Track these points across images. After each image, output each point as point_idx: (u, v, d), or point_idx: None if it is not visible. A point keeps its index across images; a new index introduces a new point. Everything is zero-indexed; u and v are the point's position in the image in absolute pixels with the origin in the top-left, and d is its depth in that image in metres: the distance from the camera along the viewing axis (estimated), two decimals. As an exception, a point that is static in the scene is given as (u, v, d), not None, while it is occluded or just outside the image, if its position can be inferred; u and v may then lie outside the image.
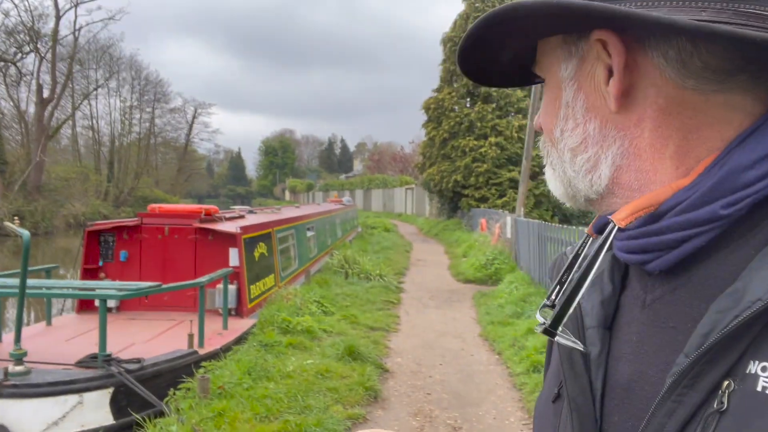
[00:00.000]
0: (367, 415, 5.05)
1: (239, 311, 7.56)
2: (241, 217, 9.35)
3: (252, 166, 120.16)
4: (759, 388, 0.46)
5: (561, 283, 0.71)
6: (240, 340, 6.60)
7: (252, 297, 7.86)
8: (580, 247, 0.73)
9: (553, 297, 0.71)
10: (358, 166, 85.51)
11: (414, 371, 6.36)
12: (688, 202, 0.56)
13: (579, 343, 0.60)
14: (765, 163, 0.54)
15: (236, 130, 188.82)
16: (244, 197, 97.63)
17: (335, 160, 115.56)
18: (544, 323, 0.59)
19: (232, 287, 7.41)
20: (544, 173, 0.74)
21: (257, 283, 8.18)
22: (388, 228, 25.37)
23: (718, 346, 0.48)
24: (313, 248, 12.73)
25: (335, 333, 7.33)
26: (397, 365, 6.54)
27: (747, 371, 0.47)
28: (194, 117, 58.81)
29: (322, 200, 44.85)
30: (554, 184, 0.69)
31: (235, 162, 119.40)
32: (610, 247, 0.62)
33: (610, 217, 0.59)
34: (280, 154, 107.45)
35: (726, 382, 0.48)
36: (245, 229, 7.91)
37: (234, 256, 7.61)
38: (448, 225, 24.10)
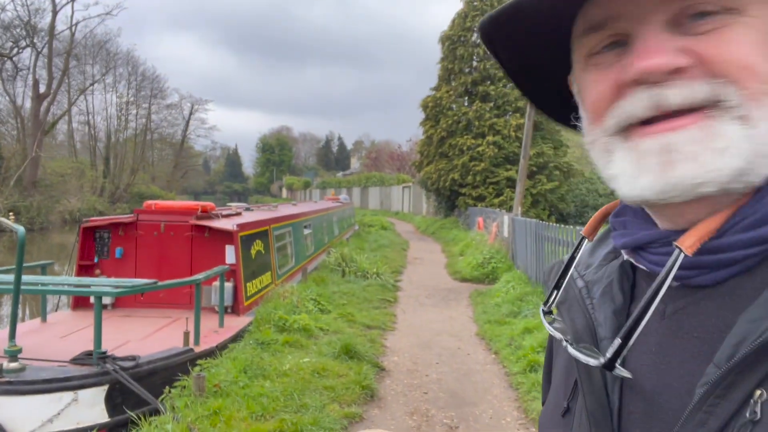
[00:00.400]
0: (363, 414, 5.04)
1: (235, 309, 7.53)
2: (238, 214, 9.31)
3: (249, 163, 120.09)
4: None
5: (558, 287, 0.70)
6: (236, 338, 6.58)
7: (248, 295, 7.84)
8: (575, 251, 0.72)
9: (550, 302, 0.70)
10: (355, 164, 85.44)
11: (410, 370, 6.35)
12: (756, 217, 0.53)
13: (628, 372, 0.55)
14: None
15: (233, 126, 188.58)
16: (240, 194, 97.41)
17: (332, 157, 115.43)
18: (601, 359, 0.55)
19: (228, 285, 7.38)
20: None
21: (254, 281, 8.15)
22: (385, 226, 25.37)
23: (750, 357, 0.47)
24: (310, 246, 12.71)
25: (332, 331, 7.31)
26: (394, 364, 6.53)
27: None
28: (191, 113, 58.71)
29: (319, 198, 44.80)
30: (737, 148, 0.50)
31: (232, 159, 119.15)
32: (660, 274, 0.55)
33: (675, 243, 0.53)
34: (277, 152, 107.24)
35: (759, 392, 0.47)
36: (242, 226, 7.88)
37: (230, 254, 7.58)
38: (445, 223, 24.11)
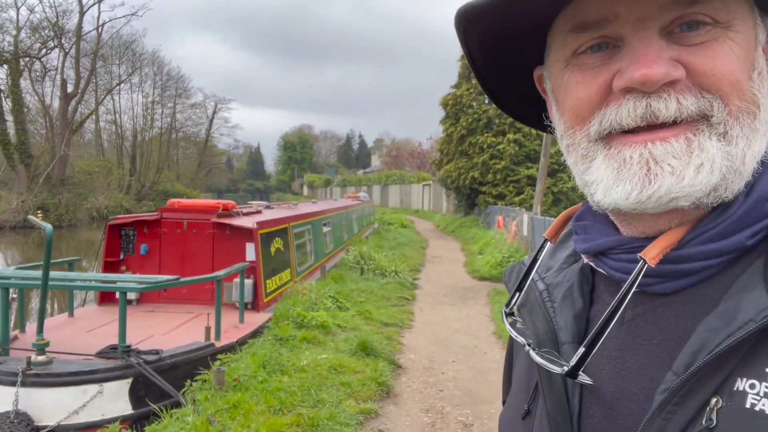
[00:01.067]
0: (379, 410, 5.10)
1: (255, 305, 7.67)
2: (258, 212, 9.45)
3: (271, 161, 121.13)
4: (747, 405, 0.47)
5: (519, 289, 0.71)
6: (256, 333, 6.70)
7: (268, 291, 7.97)
8: (537, 253, 0.72)
9: (512, 304, 0.71)
10: (376, 161, 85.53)
11: (427, 368, 6.40)
12: (716, 231, 0.54)
13: (590, 379, 0.56)
14: None
15: (255, 125, 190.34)
16: (262, 192, 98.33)
17: (353, 155, 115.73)
18: (564, 367, 0.56)
19: (248, 281, 7.52)
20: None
21: (273, 278, 8.28)
22: (405, 224, 25.40)
23: (708, 365, 0.48)
24: (329, 244, 12.82)
25: (349, 328, 7.39)
26: (410, 361, 6.58)
27: (735, 388, 0.48)
28: (214, 112, 59.38)
29: (339, 196, 45.01)
30: (715, 164, 0.51)
31: (254, 157, 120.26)
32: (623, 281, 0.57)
33: (640, 255, 0.55)
34: (298, 150, 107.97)
35: (714, 399, 0.48)
36: (261, 224, 8.01)
37: (250, 251, 7.72)
38: (464, 222, 24.04)
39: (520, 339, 0.64)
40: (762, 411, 0.46)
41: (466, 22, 0.58)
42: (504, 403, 0.81)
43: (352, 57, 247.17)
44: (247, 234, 7.74)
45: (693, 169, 0.51)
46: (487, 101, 23.52)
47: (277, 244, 8.61)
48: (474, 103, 23.49)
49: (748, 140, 0.53)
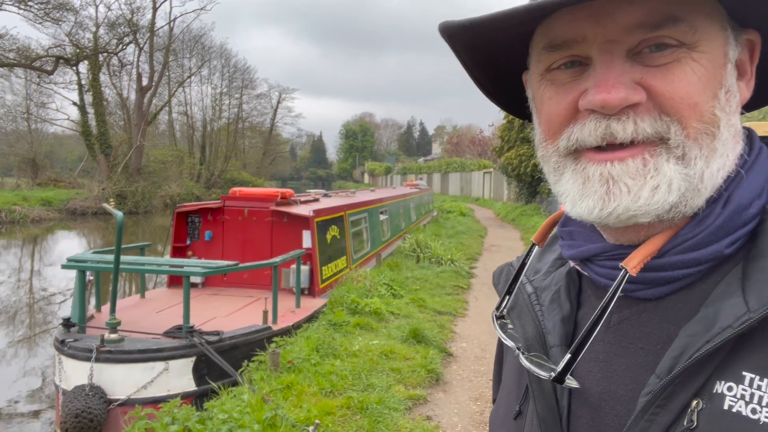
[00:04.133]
0: (427, 397, 5.17)
1: (311, 291, 7.90)
2: (316, 200, 9.68)
3: (333, 150, 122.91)
4: (725, 407, 0.49)
5: (509, 293, 0.73)
6: (311, 318, 6.92)
7: (324, 278, 8.18)
8: (525, 257, 0.75)
9: (501, 307, 0.73)
10: (436, 149, 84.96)
11: (478, 356, 6.40)
12: (694, 240, 0.56)
13: (576, 383, 0.58)
14: (756, 202, 0.56)
15: (317, 114, 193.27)
16: (324, 180, 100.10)
17: (414, 143, 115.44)
18: (551, 373, 0.58)
19: (305, 268, 7.75)
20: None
21: (329, 265, 8.48)
22: (464, 212, 25.18)
23: (689, 369, 0.51)
24: (386, 232, 12.93)
25: (402, 315, 7.48)
26: (462, 350, 6.60)
27: (714, 391, 0.50)
28: (278, 102, 60.85)
29: (399, 184, 45.13)
30: (672, 185, 0.53)
31: (317, 145, 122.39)
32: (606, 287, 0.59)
33: (621, 264, 0.57)
34: (359, 138, 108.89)
35: (695, 402, 0.50)
36: (318, 212, 8.21)
37: (307, 238, 7.94)
38: (525, 210, 23.54)
39: (510, 343, 0.66)
40: (739, 412, 0.48)
41: (447, 36, 0.61)
42: (494, 401, 0.83)
43: (410, 45, 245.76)
44: (303, 222, 7.97)
45: (648, 190, 0.53)
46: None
47: (333, 231, 8.80)
48: (536, 89, 22.84)
49: (707, 160, 0.54)
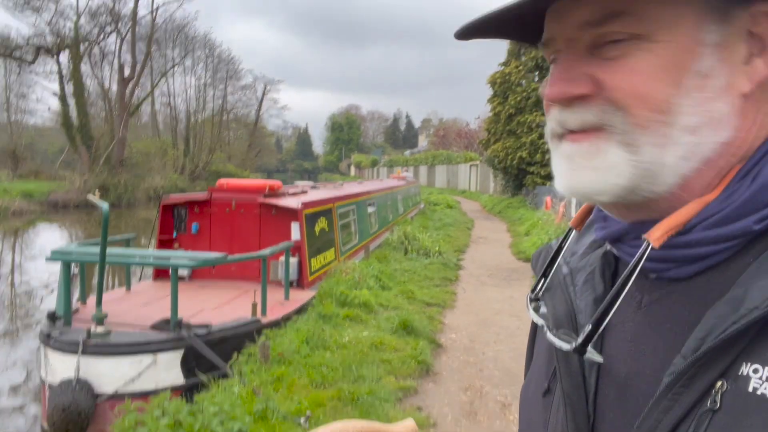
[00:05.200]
0: (418, 387, 5.19)
1: (300, 283, 7.87)
2: (304, 192, 9.63)
3: (319, 142, 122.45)
4: (750, 389, 0.48)
5: (545, 275, 0.73)
6: (300, 310, 6.90)
7: (312, 270, 8.15)
8: (563, 240, 0.75)
9: (537, 289, 0.73)
10: (423, 141, 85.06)
11: (467, 347, 6.43)
12: (721, 215, 0.56)
13: (600, 357, 0.59)
14: None
15: (303, 106, 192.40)
16: (311, 172, 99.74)
17: (400, 135, 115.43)
18: (573, 345, 0.59)
19: (293, 260, 7.71)
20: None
21: (318, 257, 8.46)
22: (451, 205, 25.27)
23: (714, 350, 0.50)
24: (374, 224, 12.93)
25: (391, 307, 7.49)
26: (451, 341, 6.63)
27: (740, 373, 0.49)
28: (264, 93, 60.39)
29: (386, 176, 45.12)
30: (618, 169, 0.56)
31: (303, 138, 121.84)
32: (633, 264, 0.58)
33: (644, 236, 0.57)
34: (345, 130, 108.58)
35: (719, 383, 0.50)
36: (306, 204, 8.17)
37: (295, 230, 7.90)
38: (512, 203, 23.70)
39: (539, 320, 0.68)
40: (763, 395, 0.47)
41: (465, 38, 0.64)
42: (527, 368, 0.85)
43: (395, 37, 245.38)
44: (292, 214, 7.92)
45: (598, 171, 0.57)
46: (536, 79, 22.95)
47: (321, 223, 8.77)
48: (523, 81, 22.96)
49: (661, 147, 0.55)
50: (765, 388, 0.47)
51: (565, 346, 0.59)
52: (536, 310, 0.71)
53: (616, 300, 0.57)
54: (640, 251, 0.57)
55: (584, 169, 0.58)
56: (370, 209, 12.65)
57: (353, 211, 11.05)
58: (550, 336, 0.62)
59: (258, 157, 66.04)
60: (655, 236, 0.56)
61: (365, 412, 4.46)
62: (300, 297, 7.36)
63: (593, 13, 0.55)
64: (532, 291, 0.74)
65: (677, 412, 0.51)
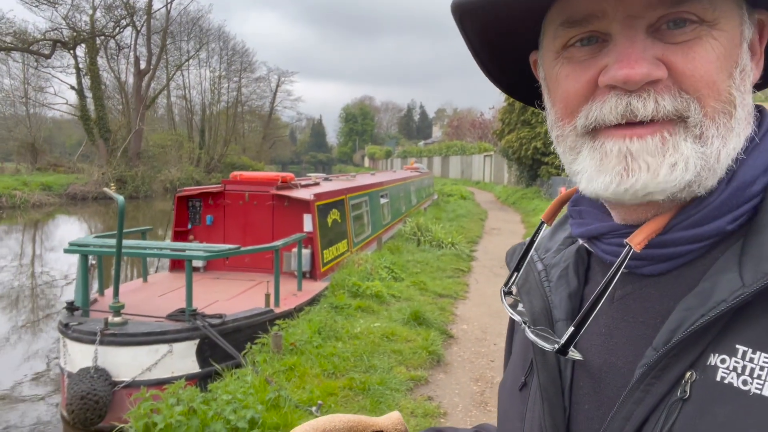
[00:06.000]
0: (428, 378, 5.23)
1: (313, 274, 7.94)
2: (316, 184, 9.69)
3: (333, 133, 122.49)
4: (718, 379, 0.50)
5: (518, 269, 0.74)
6: (312, 301, 6.97)
7: (325, 261, 8.22)
8: (534, 234, 0.76)
9: (510, 283, 0.74)
10: (437, 132, 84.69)
11: (479, 338, 6.45)
12: (697, 217, 0.57)
13: (580, 355, 0.59)
14: (761, 179, 0.57)
15: (317, 98, 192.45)
16: (325, 164, 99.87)
17: (414, 126, 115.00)
18: (555, 345, 0.59)
19: (306, 251, 7.78)
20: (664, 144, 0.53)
21: (330, 248, 8.52)
22: (465, 196, 25.19)
23: (684, 342, 0.52)
24: (387, 215, 12.96)
25: (403, 298, 7.53)
26: (462, 332, 6.66)
27: (708, 363, 0.51)
28: (278, 85, 60.44)
29: (400, 167, 45.06)
30: (689, 163, 0.54)
31: (317, 129, 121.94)
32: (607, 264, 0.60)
33: (626, 241, 0.58)
34: (359, 121, 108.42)
35: (689, 373, 0.52)
36: (318, 196, 8.22)
37: (308, 222, 7.96)
38: (526, 193, 23.55)
39: (516, 317, 0.68)
40: (730, 384, 0.50)
41: (461, 13, 0.60)
42: (506, 363, 0.86)
43: (408, 28, 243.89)
44: (304, 206, 7.98)
45: (667, 167, 0.53)
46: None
47: (334, 215, 8.82)
48: (538, 71, 22.69)
49: (724, 139, 0.54)
50: (732, 378, 0.50)
51: (548, 347, 0.60)
52: (513, 306, 0.71)
53: (598, 303, 0.58)
54: (622, 256, 0.58)
55: (652, 167, 0.54)
56: (383, 200, 12.68)
57: (366, 203, 11.08)
58: (530, 335, 0.63)
59: (272, 148, 66.25)
60: (637, 241, 0.57)
61: (376, 401, 4.52)
62: (312, 288, 7.43)
63: None
64: (505, 285, 0.74)
65: (649, 402, 0.53)
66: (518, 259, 0.75)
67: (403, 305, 7.07)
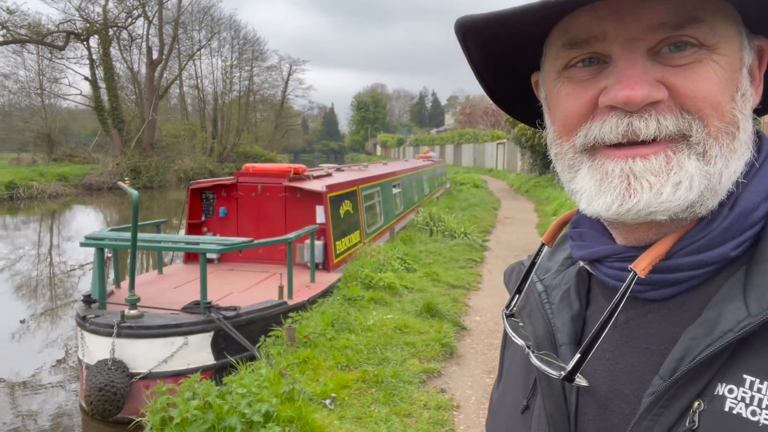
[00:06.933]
0: (441, 370, 5.25)
1: (326, 266, 7.97)
2: (328, 175, 9.69)
3: (344, 122, 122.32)
4: (726, 409, 0.50)
5: (519, 291, 0.74)
6: (325, 293, 7.00)
7: (338, 252, 8.24)
8: (535, 256, 0.76)
9: (512, 305, 0.74)
10: (449, 120, 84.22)
11: (492, 330, 6.45)
12: (701, 243, 0.57)
13: (586, 381, 0.59)
14: (764, 205, 0.57)
15: (328, 86, 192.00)
16: (337, 152, 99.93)
17: (426, 114, 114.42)
18: (562, 372, 0.59)
19: (318, 243, 7.81)
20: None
21: (343, 239, 8.54)
22: (477, 184, 25.06)
23: (691, 371, 0.52)
24: (399, 205, 12.95)
25: (416, 289, 7.54)
26: (475, 323, 6.66)
27: (715, 393, 0.51)
28: (289, 74, 60.38)
29: (412, 155, 44.92)
30: (692, 182, 0.54)
31: (329, 118, 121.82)
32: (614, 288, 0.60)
33: (631, 267, 0.57)
34: (371, 109, 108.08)
35: (697, 403, 0.52)
36: (331, 187, 8.23)
37: (320, 214, 7.98)
38: (539, 181, 23.36)
39: (520, 341, 0.68)
40: (739, 414, 0.50)
41: (465, 31, 0.61)
42: (499, 378, 0.85)
43: (418, 15, 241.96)
44: (316, 197, 8.00)
45: (671, 186, 0.53)
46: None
47: (346, 206, 8.83)
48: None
49: (726, 160, 0.55)
50: (740, 408, 0.50)
51: (554, 374, 0.60)
52: (513, 326, 0.71)
53: (603, 330, 0.57)
54: (626, 282, 0.57)
55: (655, 187, 0.54)
56: (395, 190, 12.66)
57: (378, 193, 11.08)
58: (534, 360, 0.63)
59: (284, 137, 66.29)
60: (642, 266, 0.57)
61: (389, 394, 4.54)
62: (325, 280, 7.46)
63: (675, 14, 0.53)
64: (507, 307, 0.74)
65: (658, 431, 0.53)
66: (519, 281, 0.75)
67: (416, 297, 7.08)
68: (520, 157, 30.47)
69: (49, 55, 35.32)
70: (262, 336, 5.52)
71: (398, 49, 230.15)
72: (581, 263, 0.69)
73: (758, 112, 0.63)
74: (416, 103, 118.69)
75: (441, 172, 22.55)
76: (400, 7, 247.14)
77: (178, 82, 45.27)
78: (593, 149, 0.58)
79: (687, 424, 0.51)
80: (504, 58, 0.66)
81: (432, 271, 8.58)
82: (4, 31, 30.00)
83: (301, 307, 6.33)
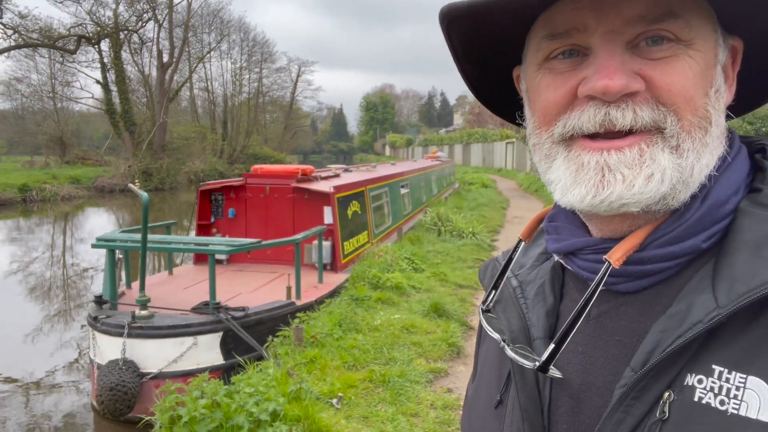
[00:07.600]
0: (448, 370, 5.26)
1: (333, 266, 8.01)
2: (336, 176, 9.73)
3: (353, 122, 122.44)
4: (696, 399, 0.52)
5: (495, 287, 0.75)
6: (333, 293, 7.04)
7: (345, 253, 8.28)
8: (512, 252, 0.76)
9: (488, 301, 0.74)
10: (458, 119, 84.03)
11: (499, 330, 6.45)
12: (673, 234, 0.58)
13: (560, 373, 0.60)
14: (733, 198, 0.59)
15: (337, 87, 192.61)
16: (346, 153, 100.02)
17: (435, 114, 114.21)
18: (536, 362, 0.60)
19: (326, 243, 7.85)
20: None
21: (351, 240, 8.58)
22: (486, 184, 25.00)
23: (661, 363, 0.53)
24: (407, 205, 12.96)
25: (424, 290, 7.56)
26: (483, 323, 6.66)
27: (685, 383, 0.53)
28: (298, 75, 60.59)
29: (421, 155, 44.87)
30: (665, 174, 0.55)
31: (338, 118, 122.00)
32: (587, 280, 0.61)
33: (605, 257, 0.58)
34: (380, 110, 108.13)
35: (667, 394, 0.53)
36: (338, 188, 8.27)
37: (328, 214, 8.02)
38: (549, 181, 23.22)
39: (495, 335, 0.69)
40: (708, 404, 0.51)
41: (449, 20, 0.61)
42: (473, 375, 0.85)
43: (425, 15, 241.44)
44: (324, 198, 8.04)
45: (643, 179, 0.55)
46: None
47: (354, 207, 8.87)
48: (560, 56, 22.30)
49: (698, 154, 0.56)
50: (709, 398, 0.51)
51: (528, 365, 0.61)
52: (488, 321, 0.71)
53: (577, 321, 0.59)
54: (601, 272, 0.59)
55: (628, 179, 0.55)
56: (403, 191, 12.68)
57: (386, 194, 11.10)
58: (509, 352, 0.64)
59: (294, 139, 66.50)
60: (616, 257, 0.58)
61: (396, 394, 4.57)
62: (333, 280, 7.50)
63: (653, 8, 0.54)
64: (483, 303, 0.75)
65: (629, 423, 0.54)
66: (495, 277, 0.76)
67: (423, 297, 7.10)
68: (529, 156, 30.30)
69: (61, 59, 35.73)
70: (270, 336, 5.57)
71: (406, 50, 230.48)
72: (556, 258, 0.70)
73: (735, 112, 0.64)
74: (425, 103, 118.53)
75: (449, 172, 22.53)
76: (407, 7, 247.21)
77: (188, 84, 45.61)
78: (570, 140, 0.59)
79: (657, 415, 0.52)
80: (485, 50, 0.67)
81: (440, 271, 8.59)
82: (16, 35, 30.36)
83: (308, 307, 6.37)
